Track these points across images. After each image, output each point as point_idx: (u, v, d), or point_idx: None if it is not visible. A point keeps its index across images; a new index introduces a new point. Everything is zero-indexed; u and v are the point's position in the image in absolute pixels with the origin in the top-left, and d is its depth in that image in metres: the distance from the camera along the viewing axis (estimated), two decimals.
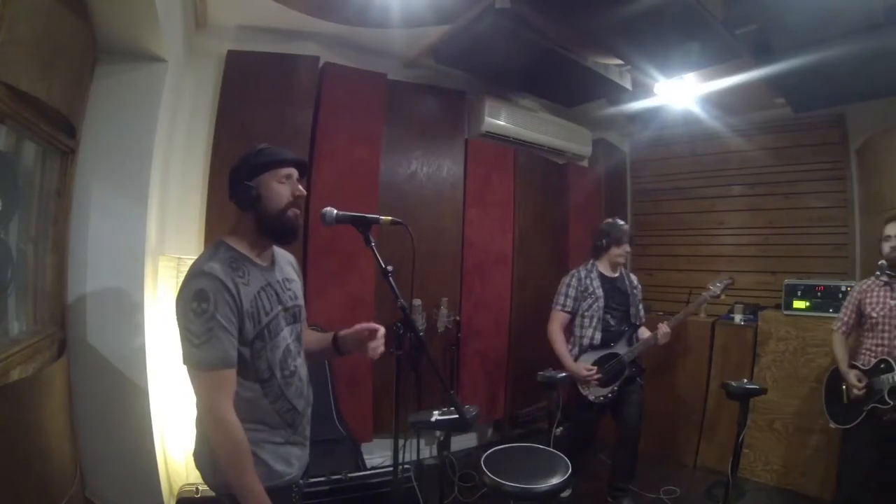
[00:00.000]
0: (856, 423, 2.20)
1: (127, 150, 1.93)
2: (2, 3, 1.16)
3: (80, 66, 1.73)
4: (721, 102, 3.47)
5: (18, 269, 1.54)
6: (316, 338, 1.48)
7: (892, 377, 2.07)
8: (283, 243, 1.34)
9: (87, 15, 1.67)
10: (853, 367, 2.29)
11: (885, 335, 2.21)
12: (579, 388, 2.66)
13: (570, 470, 1.87)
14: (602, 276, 2.71)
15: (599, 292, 2.66)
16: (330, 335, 1.44)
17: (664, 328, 2.58)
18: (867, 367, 2.23)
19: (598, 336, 2.64)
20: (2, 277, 1.41)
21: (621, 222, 2.74)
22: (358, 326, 1.36)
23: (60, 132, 1.68)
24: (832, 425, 2.36)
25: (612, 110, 3.74)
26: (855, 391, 2.21)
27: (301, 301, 1.37)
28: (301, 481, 1.32)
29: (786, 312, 3.08)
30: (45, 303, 1.71)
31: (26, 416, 1.38)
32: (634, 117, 3.97)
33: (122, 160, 1.92)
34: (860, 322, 2.37)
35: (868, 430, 2.17)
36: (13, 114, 1.34)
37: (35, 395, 1.44)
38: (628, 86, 3.21)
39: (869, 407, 2.14)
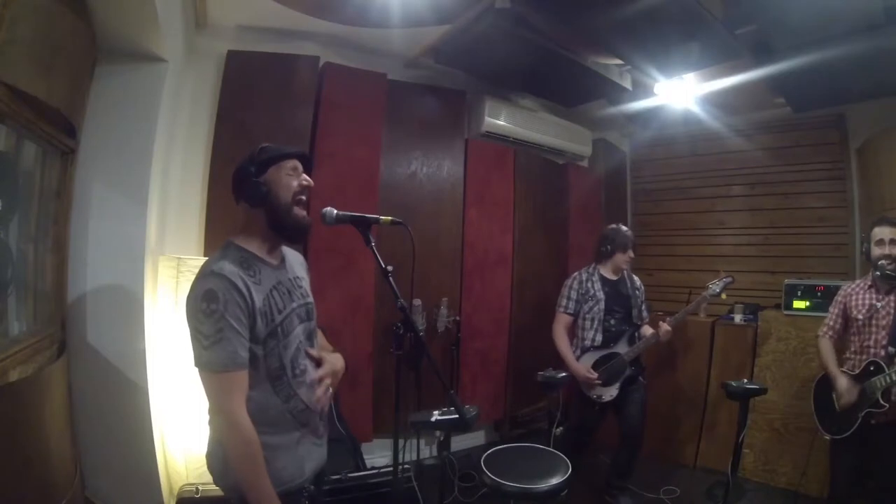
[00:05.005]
0: (851, 431, 2.13)
1: (127, 150, 1.93)
2: (2, 4, 1.16)
3: (80, 66, 1.73)
4: (721, 102, 3.47)
5: (18, 269, 1.54)
6: (325, 344, 1.52)
7: (883, 379, 2.02)
8: (293, 241, 1.35)
9: (87, 15, 1.67)
10: (843, 374, 2.23)
11: (872, 337, 2.18)
12: (582, 388, 2.68)
13: (570, 470, 1.87)
14: (603, 279, 2.75)
15: (600, 295, 2.71)
16: (331, 348, 1.50)
17: (665, 326, 2.61)
18: (856, 373, 2.19)
19: (598, 337, 2.68)
20: (2, 277, 1.41)
21: (625, 228, 2.78)
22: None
23: (60, 132, 1.68)
24: (827, 437, 2.28)
25: (612, 110, 3.74)
26: (844, 399, 2.15)
27: (311, 299, 1.37)
28: (312, 487, 1.30)
29: (786, 312, 3.08)
30: (45, 303, 1.70)
31: (26, 416, 1.38)
32: (634, 117, 3.97)
33: (122, 160, 1.92)
34: (846, 326, 2.34)
35: (859, 436, 2.12)
36: (13, 114, 1.34)
37: (35, 395, 1.44)
38: (628, 86, 3.22)
39: (863, 413, 2.09)
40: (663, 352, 3.46)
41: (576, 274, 2.82)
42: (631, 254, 2.75)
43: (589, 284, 2.74)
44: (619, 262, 2.74)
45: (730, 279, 2.71)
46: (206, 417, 1.21)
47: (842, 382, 2.20)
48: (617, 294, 2.74)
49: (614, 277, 2.77)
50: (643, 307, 2.83)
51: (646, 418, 2.72)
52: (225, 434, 1.11)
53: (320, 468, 1.33)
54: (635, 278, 2.87)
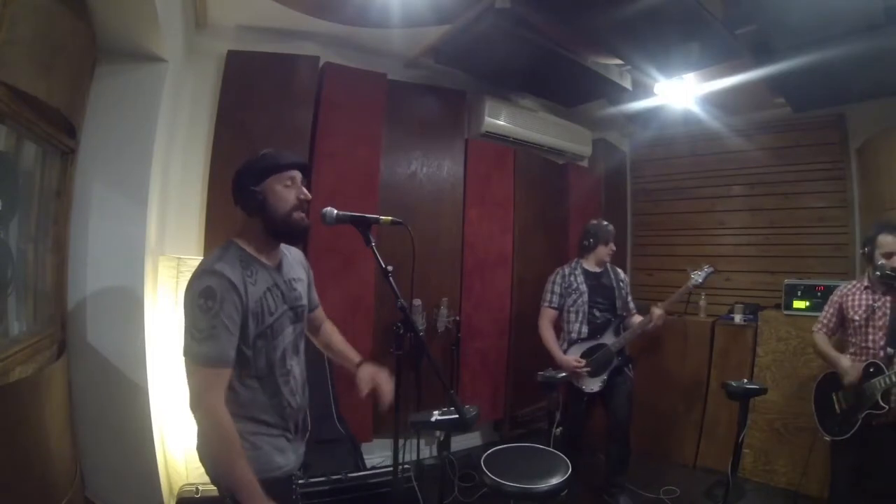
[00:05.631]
0: (852, 432, 2.13)
1: (127, 150, 1.93)
2: (2, 3, 1.16)
3: (79, 66, 1.73)
4: (721, 102, 3.47)
5: (18, 269, 1.54)
6: (344, 347, 1.55)
7: (883, 380, 2.02)
8: (292, 243, 1.38)
9: (86, 15, 1.67)
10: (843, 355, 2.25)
11: (870, 338, 2.18)
12: (571, 379, 2.72)
13: (570, 470, 1.87)
14: (586, 273, 2.83)
15: (583, 288, 2.78)
16: (357, 359, 1.50)
17: (657, 310, 2.68)
18: None
19: (584, 329, 2.75)
20: (2, 277, 1.41)
21: (606, 223, 2.86)
22: (366, 382, 1.42)
23: (60, 132, 1.68)
24: (827, 438, 2.29)
25: (612, 110, 3.74)
26: (850, 376, 2.15)
27: (305, 301, 1.40)
28: (299, 472, 1.35)
29: (786, 312, 3.08)
30: (45, 303, 1.70)
31: (26, 416, 1.38)
32: (634, 117, 3.97)
33: (122, 160, 1.92)
34: (842, 325, 2.35)
35: (859, 438, 2.12)
36: (13, 114, 1.34)
37: (35, 395, 1.44)
38: (628, 86, 3.22)
39: (864, 414, 2.09)
40: (663, 351, 3.47)
41: (559, 269, 2.89)
42: (612, 247, 2.83)
43: (572, 278, 2.81)
44: (601, 255, 2.82)
45: (712, 269, 2.75)
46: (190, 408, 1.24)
47: (844, 361, 2.21)
48: (600, 286, 2.81)
49: (597, 270, 2.84)
50: (628, 298, 2.89)
51: (633, 409, 2.76)
52: (203, 424, 1.15)
53: (299, 464, 1.37)
54: (619, 271, 2.93)
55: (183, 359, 1.15)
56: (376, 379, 1.42)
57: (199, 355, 1.12)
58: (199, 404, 1.14)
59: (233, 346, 1.15)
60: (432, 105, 3.21)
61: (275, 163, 1.26)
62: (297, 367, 1.35)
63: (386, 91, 2.94)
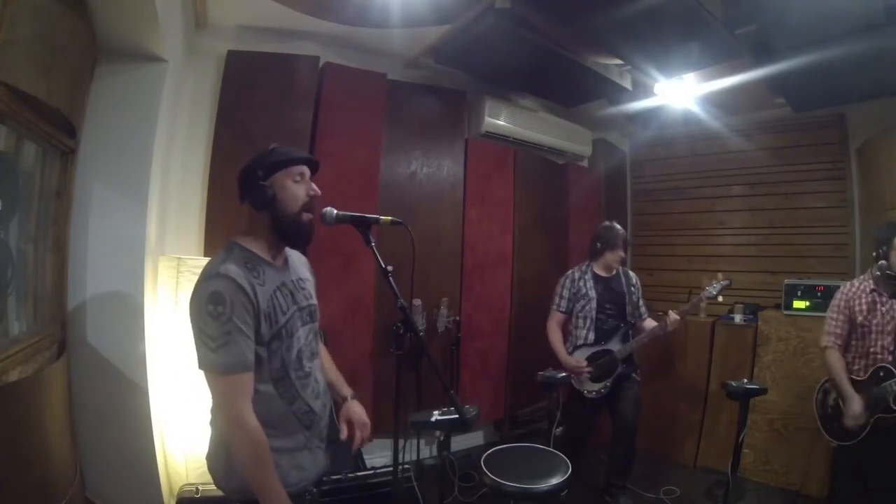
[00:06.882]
0: (862, 436, 2.09)
1: (127, 150, 1.93)
2: (2, 3, 1.16)
3: (79, 66, 1.73)
4: (721, 102, 3.48)
5: (18, 269, 1.54)
6: (336, 378, 1.50)
7: (895, 384, 2.01)
8: (297, 247, 1.35)
9: (87, 15, 1.67)
10: (857, 395, 2.14)
11: (879, 343, 2.15)
12: (573, 382, 2.72)
13: (570, 470, 1.87)
14: (596, 277, 2.79)
15: (592, 293, 2.74)
16: (346, 392, 1.47)
17: (674, 315, 2.61)
18: (862, 378, 2.16)
19: (591, 335, 2.72)
20: (2, 277, 1.41)
21: (618, 227, 2.80)
22: (348, 422, 1.40)
23: (60, 132, 1.68)
24: (835, 444, 2.24)
25: (612, 110, 3.74)
26: (855, 423, 2.09)
27: (315, 301, 1.37)
28: (314, 489, 1.31)
29: (786, 312, 3.08)
30: (45, 303, 1.70)
31: (26, 416, 1.38)
32: (634, 117, 3.97)
33: (122, 160, 1.92)
34: (849, 331, 2.28)
35: (864, 440, 2.10)
36: (13, 114, 1.34)
37: (35, 395, 1.44)
38: (628, 86, 3.22)
39: (874, 418, 2.06)
40: (663, 352, 3.47)
41: (569, 272, 2.86)
42: (621, 253, 2.77)
43: (581, 283, 2.77)
44: (609, 261, 2.77)
45: (727, 282, 2.69)
46: (209, 418, 1.21)
47: (856, 406, 2.10)
48: (609, 291, 2.77)
49: (607, 275, 2.80)
50: (640, 304, 2.85)
51: (640, 415, 2.74)
52: (232, 436, 1.11)
53: (324, 471, 1.33)
54: (631, 275, 2.88)
55: (201, 372, 1.10)
56: (353, 420, 1.39)
57: (216, 364, 1.07)
58: (225, 414, 1.10)
59: (250, 349, 1.11)
60: (432, 105, 3.21)
61: (285, 157, 1.24)
62: (316, 369, 1.31)
63: (386, 91, 2.94)
